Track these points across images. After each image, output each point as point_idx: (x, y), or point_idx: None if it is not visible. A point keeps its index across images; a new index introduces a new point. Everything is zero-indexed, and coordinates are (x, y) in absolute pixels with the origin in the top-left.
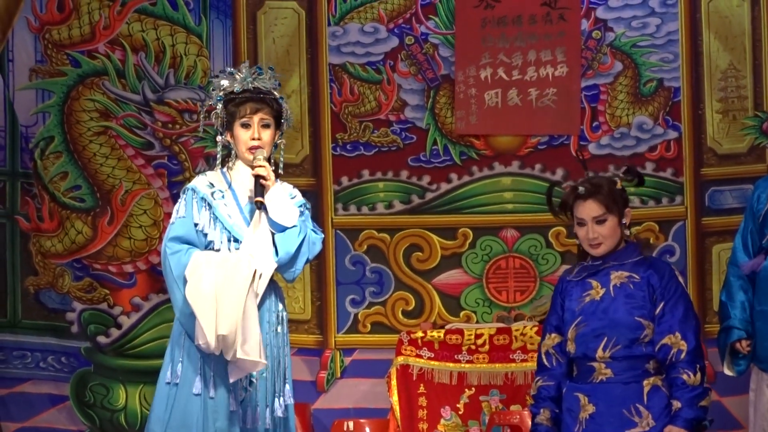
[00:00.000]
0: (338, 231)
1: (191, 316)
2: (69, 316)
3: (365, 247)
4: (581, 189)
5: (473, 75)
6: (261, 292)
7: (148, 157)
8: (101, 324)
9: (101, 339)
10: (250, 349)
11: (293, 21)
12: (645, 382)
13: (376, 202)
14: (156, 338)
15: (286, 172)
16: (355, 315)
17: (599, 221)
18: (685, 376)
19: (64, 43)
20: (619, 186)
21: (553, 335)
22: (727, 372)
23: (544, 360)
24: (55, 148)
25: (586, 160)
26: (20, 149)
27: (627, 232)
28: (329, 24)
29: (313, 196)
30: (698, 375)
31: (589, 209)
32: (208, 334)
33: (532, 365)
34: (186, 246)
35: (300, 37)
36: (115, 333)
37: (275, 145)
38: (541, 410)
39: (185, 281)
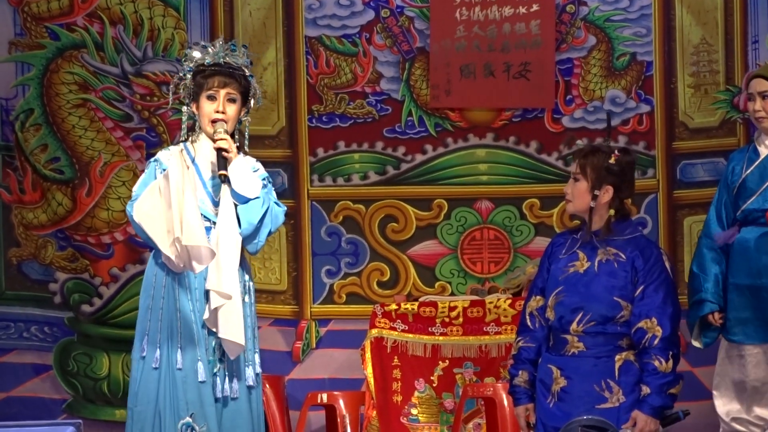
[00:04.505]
0: (314, 202)
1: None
2: (52, 287)
3: (341, 218)
4: (580, 143)
5: (448, 48)
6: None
7: (126, 129)
8: (84, 293)
9: (85, 308)
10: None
11: None
12: (617, 357)
13: (352, 173)
14: (135, 308)
15: (262, 143)
16: (331, 286)
17: (574, 178)
18: (656, 363)
19: (42, 16)
20: (612, 161)
21: (538, 297)
22: (695, 344)
23: (528, 321)
24: (35, 121)
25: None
26: (1, 122)
27: (592, 204)
28: None
29: (289, 168)
30: (670, 362)
31: (574, 164)
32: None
33: (505, 338)
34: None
35: (276, 9)
36: (97, 303)
37: (240, 121)
38: (520, 372)
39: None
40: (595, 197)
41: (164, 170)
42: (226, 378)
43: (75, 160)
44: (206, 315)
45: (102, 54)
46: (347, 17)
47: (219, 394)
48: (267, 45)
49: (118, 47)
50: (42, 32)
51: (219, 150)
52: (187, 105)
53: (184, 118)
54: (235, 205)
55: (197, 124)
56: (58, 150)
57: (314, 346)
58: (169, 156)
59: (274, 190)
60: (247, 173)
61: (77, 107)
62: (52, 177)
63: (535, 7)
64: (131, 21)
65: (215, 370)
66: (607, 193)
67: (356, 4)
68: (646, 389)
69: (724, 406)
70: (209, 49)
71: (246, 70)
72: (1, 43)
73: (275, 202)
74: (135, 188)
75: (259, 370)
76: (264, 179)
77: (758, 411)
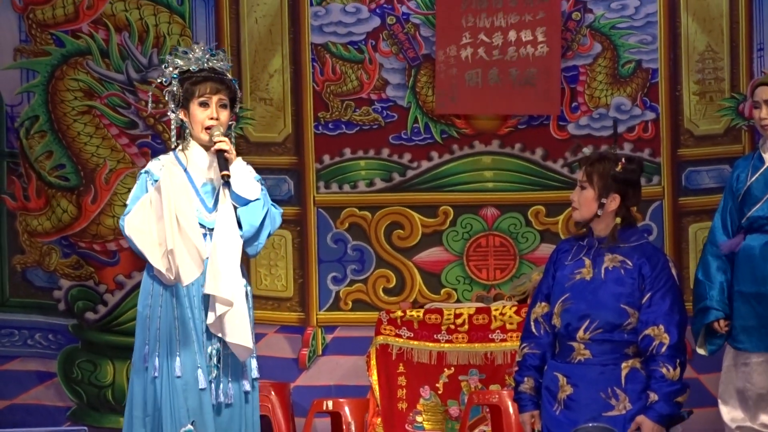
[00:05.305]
0: (320, 209)
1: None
2: (56, 294)
3: (347, 224)
4: (585, 151)
5: (454, 55)
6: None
7: (132, 136)
8: (89, 300)
9: (89, 315)
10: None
11: (275, 1)
12: (623, 365)
13: (358, 180)
14: None
15: (268, 150)
16: (337, 293)
17: (581, 186)
18: (664, 370)
19: (48, 23)
20: (619, 168)
21: (543, 304)
22: (700, 351)
23: (532, 327)
24: (40, 128)
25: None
26: (6, 129)
27: (599, 212)
28: (311, 4)
29: (295, 175)
30: (677, 370)
31: (581, 172)
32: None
33: (511, 345)
34: None
35: (282, 16)
36: (102, 310)
37: (228, 127)
38: (525, 378)
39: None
40: (602, 205)
41: (155, 181)
42: (222, 384)
43: (80, 167)
44: (210, 320)
45: (107, 61)
46: (353, 24)
47: (214, 401)
48: (273, 52)
49: (124, 54)
50: (47, 39)
51: (219, 151)
52: (174, 111)
53: (172, 126)
54: (235, 208)
55: (187, 131)
56: (63, 157)
57: (320, 353)
58: (160, 166)
59: (280, 196)
60: (247, 175)
61: (82, 114)
62: (57, 184)
63: (540, 15)
64: (137, 28)
65: (212, 377)
66: (613, 201)
67: (362, 11)
68: (653, 396)
69: (730, 413)
70: (190, 55)
71: (229, 75)
72: (7, 50)
73: (272, 204)
74: (128, 201)
75: (256, 375)
76: (258, 181)
77: (763, 418)
